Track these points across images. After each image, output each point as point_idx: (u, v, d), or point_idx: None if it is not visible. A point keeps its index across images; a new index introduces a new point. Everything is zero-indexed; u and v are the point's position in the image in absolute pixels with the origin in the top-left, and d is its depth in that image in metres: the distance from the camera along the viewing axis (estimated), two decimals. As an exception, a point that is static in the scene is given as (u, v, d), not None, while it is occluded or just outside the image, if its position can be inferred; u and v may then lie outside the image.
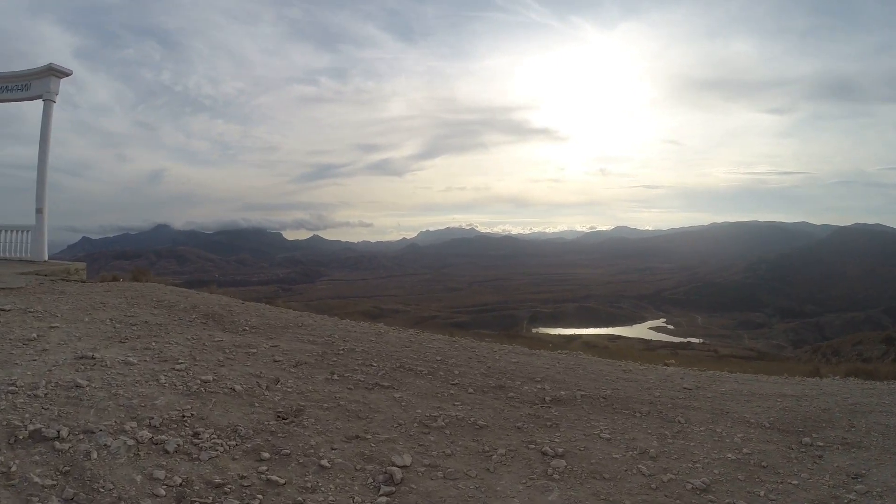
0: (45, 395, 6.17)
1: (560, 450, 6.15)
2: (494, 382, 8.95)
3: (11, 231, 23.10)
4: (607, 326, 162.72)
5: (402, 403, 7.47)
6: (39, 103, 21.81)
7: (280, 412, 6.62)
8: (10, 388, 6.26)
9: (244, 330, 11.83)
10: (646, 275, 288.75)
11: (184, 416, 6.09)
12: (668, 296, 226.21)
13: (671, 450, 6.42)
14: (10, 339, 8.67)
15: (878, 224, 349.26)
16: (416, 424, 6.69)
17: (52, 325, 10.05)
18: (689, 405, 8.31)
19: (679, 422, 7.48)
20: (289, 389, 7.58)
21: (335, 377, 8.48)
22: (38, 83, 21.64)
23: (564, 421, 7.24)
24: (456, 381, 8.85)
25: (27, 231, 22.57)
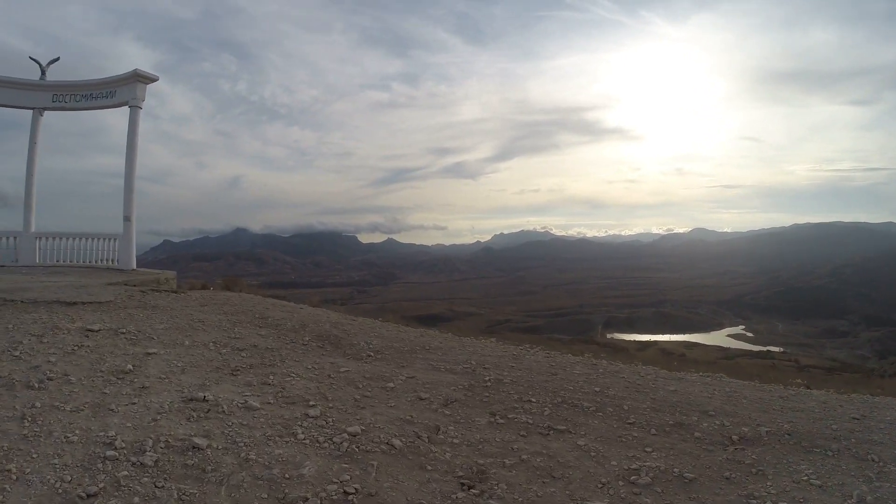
0: (156, 462, 5.04)
1: (783, 504, 5.39)
2: (671, 419, 7.92)
3: (99, 239, 22.97)
4: (683, 333, 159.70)
5: (592, 454, 6.54)
6: (125, 111, 21.81)
7: (462, 478, 5.67)
8: (110, 450, 5.14)
9: (368, 355, 10.83)
10: (724, 279, 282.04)
11: (346, 494, 4.96)
12: (748, 301, 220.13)
13: (884, 495, 5.61)
14: (101, 372, 7.66)
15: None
16: (620, 482, 5.82)
17: (149, 350, 9.13)
18: (870, 438, 7.34)
19: (873, 460, 6.56)
20: (455, 441, 6.65)
21: (499, 419, 7.53)
22: (123, 90, 21.57)
23: (767, 466, 6.40)
24: (631, 420, 7.82)
25: (115, 239, 22.44)
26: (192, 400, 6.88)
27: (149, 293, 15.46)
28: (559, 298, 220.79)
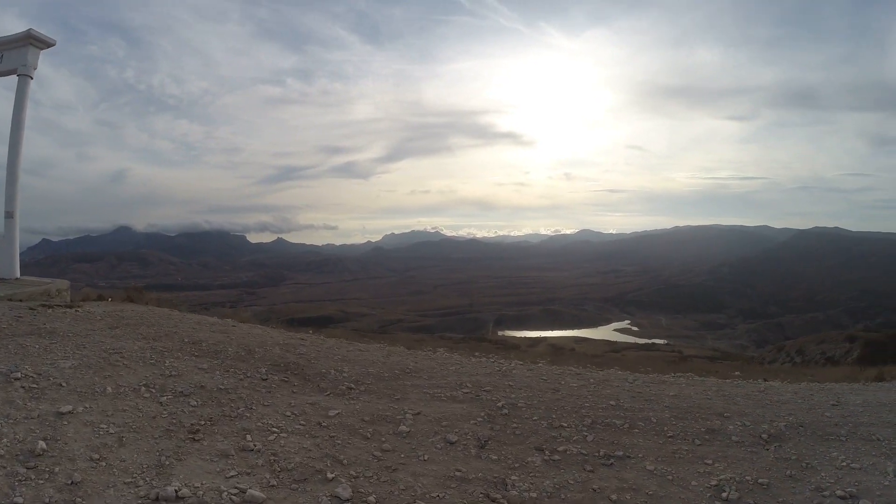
0: None
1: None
2: (700, 426, 7.73)
3: None
4: (572, 329, 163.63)
5: (668, 477, 6.16)
6: (8, 82, 18.15)
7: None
8: None
9: (348, 388, 9.04)
10: (609, 277, 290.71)
11: None
12: (632, 298, 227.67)
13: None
14: (-1, 459, 5.01)
15: (836, 227, 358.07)
16: (717, 502, 5.60)
17: (61, 407, 6.46)
18: (863, 421, 8.02)
19: (879, 439, 7.19)
20: (532, 494, 5.70)
21: (552, 455, 6.65)
22: (12, 54, 17.79)
23: (809, 458, 6.64)
24: (669, 433, 7.47)
25: None
26: (159, 502, 4.66)
27: (40, 311, 12.53)
28: (450, 298, 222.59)
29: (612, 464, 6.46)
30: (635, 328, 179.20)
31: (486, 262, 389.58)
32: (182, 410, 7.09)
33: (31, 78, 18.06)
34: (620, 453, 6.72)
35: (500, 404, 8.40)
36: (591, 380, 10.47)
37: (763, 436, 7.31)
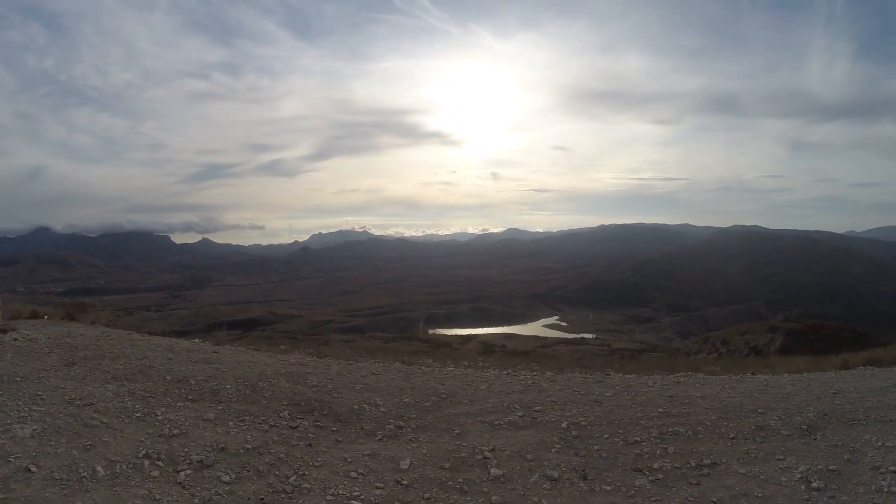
0: None
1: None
2: (746, 424, 7.86)
3: None
4: (502, 325, 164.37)
5: (762, 477, 6.25)
6: None
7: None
8: None
9: (398, 426, 7.78)
10: (537, 275, 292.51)
11: None
12: (560, 294, 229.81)
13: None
14: None
15: (755, 225, 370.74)
16: (815, 493, 5.82)
17: None
18: (871, 406, 8.51)
19: (891, 420, 7.76)
20: None
21: (654, 475, 6.42)
22: None
23: (853, 443, 7.05)
24: (730, 434, 7.56)
25: None
26: None
27: None
28: (379, 297, 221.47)
29: (708, 473, 6.45)
30: (564, 323, 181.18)
31: (414, 261, 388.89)
32: (218, 494, 5.35)
33: None
34: (708, 461, 6.70)
35: (563, 426, 7.87)
36: (616, 386, 10.13)
37: (802, 426, 7.68)
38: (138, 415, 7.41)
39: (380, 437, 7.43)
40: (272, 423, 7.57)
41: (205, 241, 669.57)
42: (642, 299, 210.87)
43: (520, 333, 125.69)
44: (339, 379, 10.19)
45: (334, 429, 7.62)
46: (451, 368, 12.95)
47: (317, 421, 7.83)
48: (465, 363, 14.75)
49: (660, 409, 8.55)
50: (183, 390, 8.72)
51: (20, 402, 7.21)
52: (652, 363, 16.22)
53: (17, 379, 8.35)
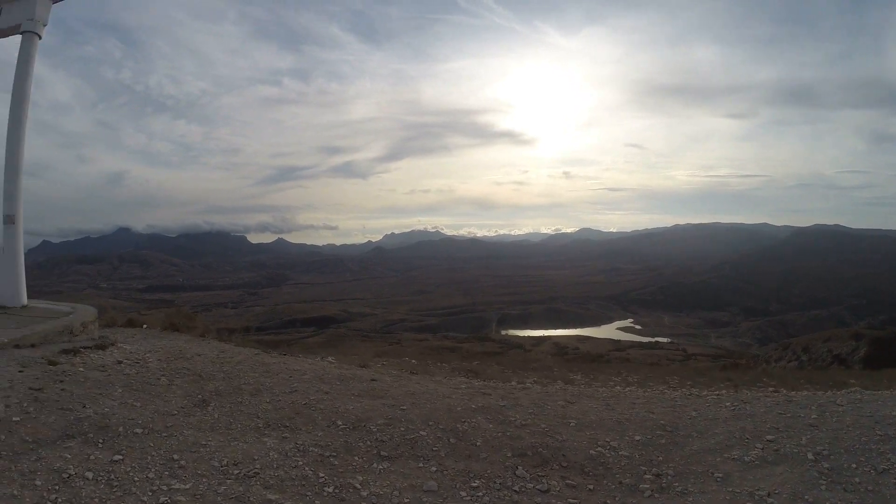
0: None
1: None
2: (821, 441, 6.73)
3: None
4: (575, 327, 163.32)
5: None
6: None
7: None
8: None
9: (641, 472, 6.25)
10: (612, 276, 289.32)
11: None
12: (634, 296, 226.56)
13: None
14: None
15: (836, 225, 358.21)
16: None
17: None
18: None
19: None
20: None
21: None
22: (14, 7, 13.46)
23: None
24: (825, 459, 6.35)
25: None
26: None
27: (66, 369, 8.42)
28: (452, 297, 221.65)
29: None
30: (638, 326, 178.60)
31: (487, 261, 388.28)
32: None
33: (40, 37, 13.63)
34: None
35: (810, 457, 6.37)
36: (728, 403, 8.76)
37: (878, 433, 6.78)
38: (330, 489, 5.45)
39: (647, 493, 5.81)
40: (515, 488, 5.80)
41: (280, 241, 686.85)
42: (719, 303, 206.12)
43: (594, 336, 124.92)
44: (541, 413, 8.21)
45: (590, 487, 5.88)
46: (598, 387, 11.10)
47: (563, 477, 6.10)
48: (576, 376, 13.06)
49: (878, 433, 6.98)
50: (369, 443, 6.71)
51: (151, 474, 5.31)
52: (785, 377, 14.37)
53: (138, 430, 6.38)
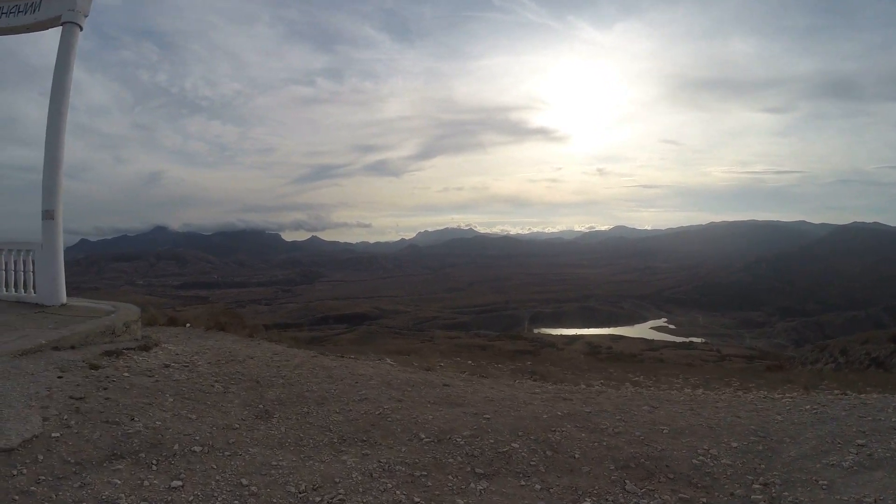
0: None
1: None
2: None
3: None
4: (609, 326, 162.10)
5: None
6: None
7: None
8: None
9: (748, 482, 5.84)
10: (646, 274, 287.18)
11: None
12: (669, 295, 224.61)
13: None
14: None
15: (876, 223, 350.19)
16: None
17: None
18: None
19: None
20: None
21: None
22: None
23: None
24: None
25: (28, 252, 13.16)
26: None
27: (109, 374, 7.87)
28: (485, 295, 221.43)
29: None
30: (672, 326, 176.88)
31: (520, 259, 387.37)
32: None
33: (81, 28, 13.11)
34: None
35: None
36: (807, 406, 8.33)
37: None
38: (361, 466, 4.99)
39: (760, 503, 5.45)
40: (627, 504, 4.80)
41: (314, 239, 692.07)
42: (754, 302, 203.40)
43: (627, 335, 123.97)
44: (630, 419, 7.64)
45: (703, 500, 5.47)
46: (667, 390, 10.71)
47: (674, 490, 5.65)
48: (637, 377, 12.60)
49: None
50: (459, 458, 6.01)
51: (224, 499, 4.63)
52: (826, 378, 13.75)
53: (197, 448, 5.62)
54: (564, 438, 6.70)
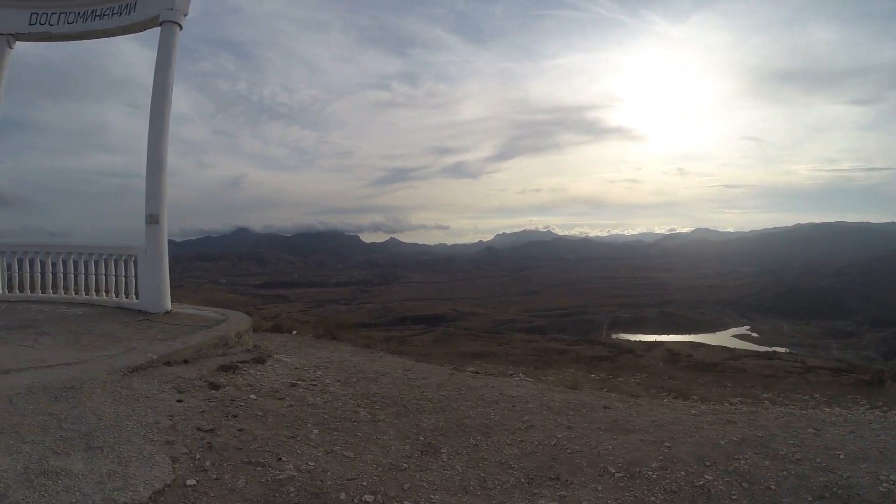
0: None
1: None
2: None
3: (104, 258, 13.34)
4: (689, 333, 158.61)
5: None
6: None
7: None
8: None
9: None
10: (728, 279, 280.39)
11: None
12: (752, 301, 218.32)
13: None
14: None
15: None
16: None
17: None
18: None
19: None
20: None
21: None
22: None
23: None
24: None
25: (132, 258, 12.88)
26: None
27: (232, 391, 7.34)
28: (563, 298, 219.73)
29: None
30: (755, 334, 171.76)
31: (599, 261, 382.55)
32: None
33: (181, 27, 13.02)
34: None
35: None
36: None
37: None
38: None
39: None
40: None
41: (392, 241, 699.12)
42: (844, 310, 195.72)
43: (708, 343, 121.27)
44: (802, 443, 7.06)
45: None
46: (813, 409, 9.87)
47: None
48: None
49: None
50: (660, 495, 5.48)
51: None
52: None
53: (368, 499, 4.85)
54: (752, 467, 6.25)
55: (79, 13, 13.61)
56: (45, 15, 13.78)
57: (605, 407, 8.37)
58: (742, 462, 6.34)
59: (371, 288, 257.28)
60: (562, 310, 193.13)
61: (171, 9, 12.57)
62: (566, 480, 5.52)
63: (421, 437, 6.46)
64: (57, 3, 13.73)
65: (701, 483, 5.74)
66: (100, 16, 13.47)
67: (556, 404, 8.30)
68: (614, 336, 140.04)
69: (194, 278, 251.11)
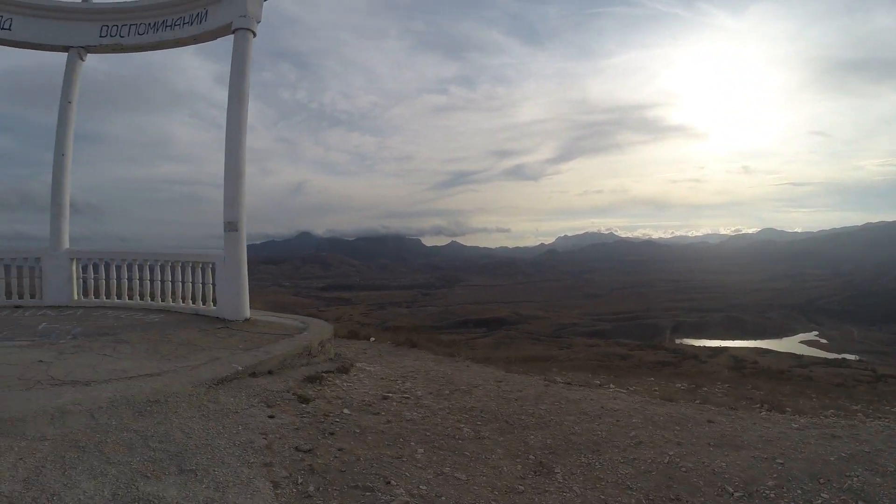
0: None
1: None
2: None
3: (181, 265, 13.54)
4: (755, 339, 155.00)
5: None
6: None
7: None
8: None
9: None
10: (796, 282, 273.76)
11: None
12: (821, 305, 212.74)
13: None
14: None
15: None
16: None
17: None
18: None
19: None
20: None
21: None
22: (221, 7, 12.98)
23: None
24: None
25: (209, 266, 13.08)
26: None
27: (323, 405, 7.14)
28: (626, 302, 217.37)
29: None
30: (824, 340, 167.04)
31: (662, 264, 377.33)
32: None
33: (255, 33, 13.01)
34: None
35: None
36: None
37: None
38: None
39: None
40: None
41: (453, 244, 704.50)
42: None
43: (775, 349, 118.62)
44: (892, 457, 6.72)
45: None
46: (880, 416, 9.70)
47: None
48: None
49: None
50: None
51: None
52: None
53: None
54: (865, 485, 5.90)
55: (149, 24, 13.86)
56: (115, 27, 14.09)
57: (709, 421, 8.07)
58: (854, 479, 6.07)
59: (432, 291, 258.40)
60: (624, 313, 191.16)
61: (245, 16, 12.64)
62: (687, 502, 5.26)
63: (531, 456, 6.13)
64: (127, 15, 14.02)
65: (818, 502, 5.53)
66: (170, 26, 13.72)
67: (659, 418, 8.00)
68: (677, 341, 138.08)
69: (258, 281, 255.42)
